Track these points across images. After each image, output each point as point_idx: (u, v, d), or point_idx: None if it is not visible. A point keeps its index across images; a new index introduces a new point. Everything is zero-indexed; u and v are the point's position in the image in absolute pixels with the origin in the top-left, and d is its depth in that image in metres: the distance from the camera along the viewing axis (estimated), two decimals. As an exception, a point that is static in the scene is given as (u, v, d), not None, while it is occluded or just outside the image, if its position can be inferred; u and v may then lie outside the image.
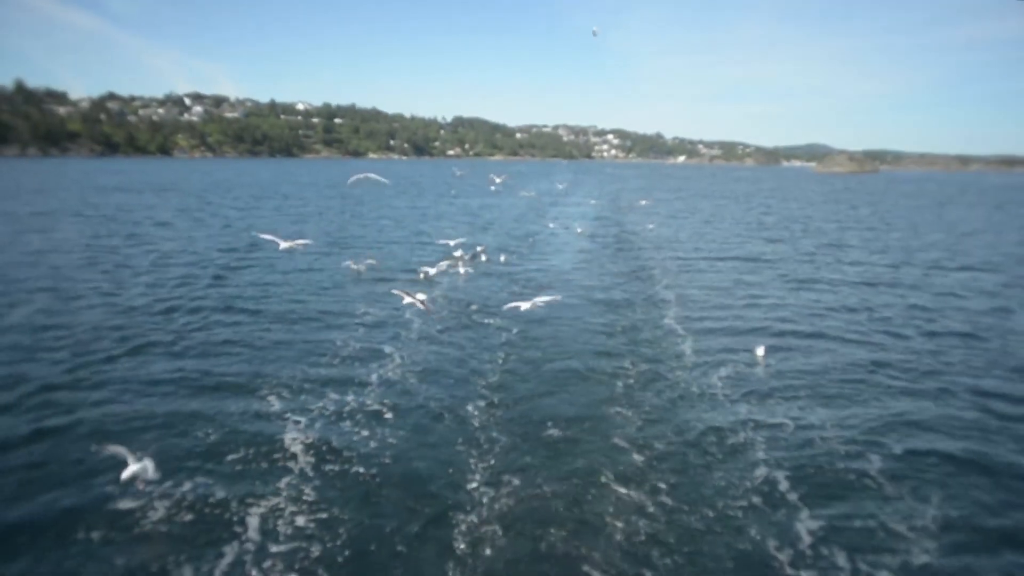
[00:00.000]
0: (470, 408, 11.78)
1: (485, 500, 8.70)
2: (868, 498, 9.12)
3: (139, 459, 8.33)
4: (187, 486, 8.81)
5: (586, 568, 7.36)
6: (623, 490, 9.10)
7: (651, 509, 8.63)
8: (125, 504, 8.32)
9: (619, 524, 8.28)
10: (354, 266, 22.50)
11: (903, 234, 42.27)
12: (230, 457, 9.71)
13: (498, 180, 54.64)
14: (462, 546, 7.65)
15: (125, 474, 8.12)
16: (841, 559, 7.73)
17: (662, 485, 9.20)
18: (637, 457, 10.11)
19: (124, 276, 22.76)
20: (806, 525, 8.38)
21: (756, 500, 8.91)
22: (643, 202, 52.62)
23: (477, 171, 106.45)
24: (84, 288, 20.57)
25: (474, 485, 9.08)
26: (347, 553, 7.48)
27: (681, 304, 20.45)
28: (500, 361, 14.42)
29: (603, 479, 9.37)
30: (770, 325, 18.23)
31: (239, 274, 23.42)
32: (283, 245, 15.74)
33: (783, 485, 9.32)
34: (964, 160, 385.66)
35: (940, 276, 26.69)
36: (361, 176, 24.89)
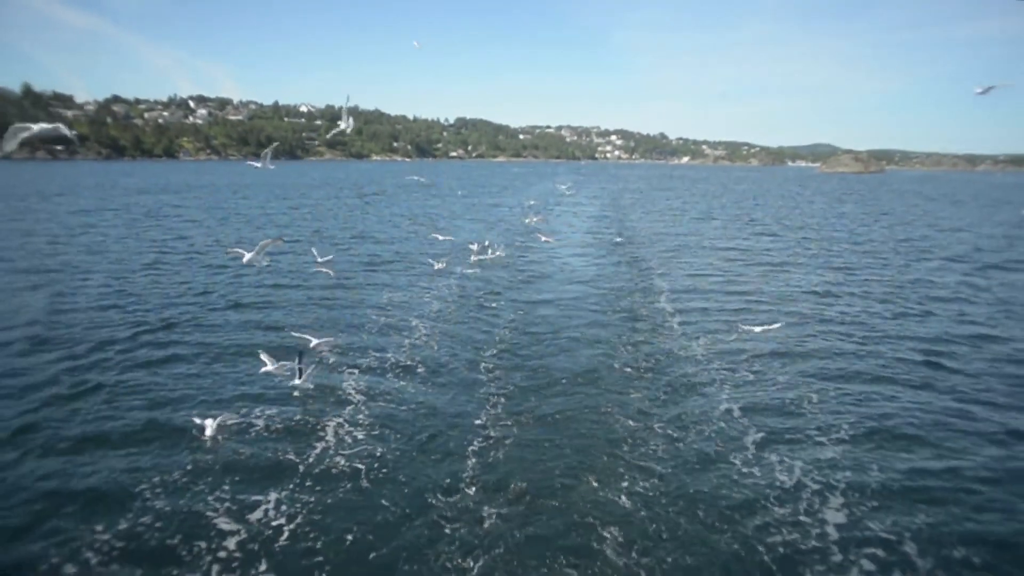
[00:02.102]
0: (480, 375, 13.65)
1: (491, 452, 10.32)
2: (810, 428, 11.28)
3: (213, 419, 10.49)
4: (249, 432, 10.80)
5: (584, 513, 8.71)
6: (617, 435, 10.94)
7: (640, 449, 10.48)
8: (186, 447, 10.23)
9: (612, 463, 9.97)
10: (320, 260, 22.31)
11: (884, 229, 44.34)
12: (283, 402, 11.86)
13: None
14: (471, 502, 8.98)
15: (208, 431, 10.31)
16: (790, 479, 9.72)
17: (654, 429, 11.14)
18: (629, 404, 12.17)
19: (171, 262, 26.01)
20: (755, 440, 10.56)
21: (720, 430, 11.13)
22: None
23: (475, 174, 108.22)
24: (139, 270, 24.10)
25: (481, 442, 10.61)
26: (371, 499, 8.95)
27: (672, 288, 22.48)
28: (508, 334, 16.53)
29: (599, 429, 11.21)
30: (749, 304, 20.48)
31: (274, 259, 25.67)
32: (246, 257, 15.98)
33: (738, 414, 11.69)
34: (972, 159, 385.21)
35: (909, 264, 28.98)
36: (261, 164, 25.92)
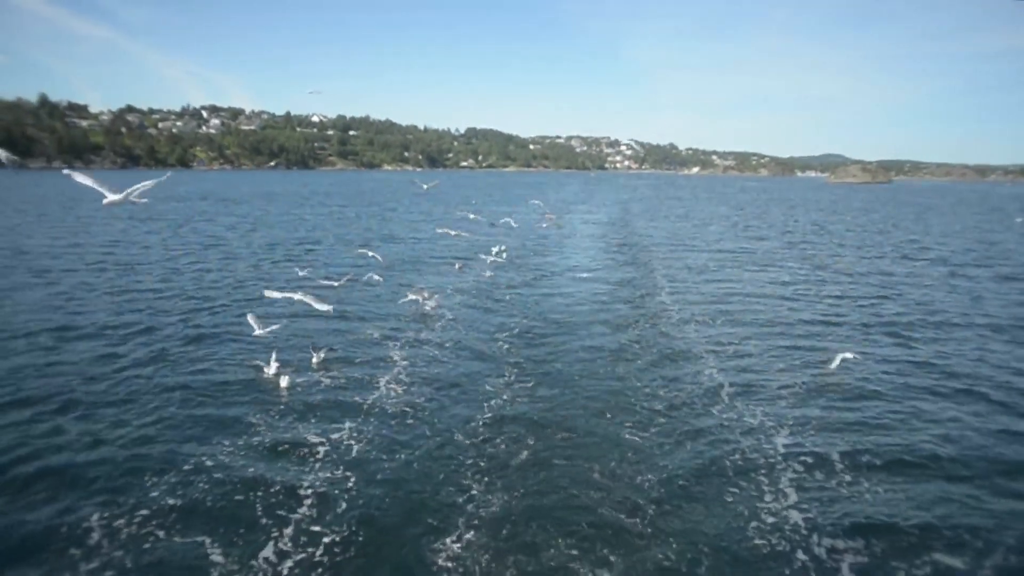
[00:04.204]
0: (498, 348, 15.81)
1: (505, 406, 12.12)
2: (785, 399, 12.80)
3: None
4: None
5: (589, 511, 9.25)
6: (621, 421, 12.11)
7: (637, 415, 11.94)
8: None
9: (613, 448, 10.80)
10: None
11: (868, 234, 46.31)
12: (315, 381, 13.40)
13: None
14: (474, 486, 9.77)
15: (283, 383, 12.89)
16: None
17: (651, 413, 12.23)
18: (627, 374, 14.00)
19: (218, 257, 29.35)
20: (733, 397, 12.21)
21: (706, 393, 12.93)
22: None
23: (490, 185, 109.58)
24: (193, 264, 27.26)
25: (496, 398, 12.45)
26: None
27: (672, 283, 24.61)
28: (522, 320, 18.54)
29: (600, 391, 12.90)
30: (737, 296, 22.51)
31: (312, 256, 29.48)
32: (296, 297, 16.76)
33: (720, 380, 13.52)
34: (982, 170, 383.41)
35: (882, 264, 31.47)
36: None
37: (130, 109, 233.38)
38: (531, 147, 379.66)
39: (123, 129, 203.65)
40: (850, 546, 7.91)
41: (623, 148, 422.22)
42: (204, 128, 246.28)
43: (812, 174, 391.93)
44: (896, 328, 18.25)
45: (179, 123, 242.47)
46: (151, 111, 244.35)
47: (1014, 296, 23.39)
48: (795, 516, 8.48)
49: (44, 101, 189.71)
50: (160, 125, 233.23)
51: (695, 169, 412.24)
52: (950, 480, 9.57)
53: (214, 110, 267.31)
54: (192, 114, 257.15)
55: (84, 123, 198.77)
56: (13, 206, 53.82)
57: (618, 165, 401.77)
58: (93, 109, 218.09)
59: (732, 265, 29.79)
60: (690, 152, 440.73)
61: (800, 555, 7.67)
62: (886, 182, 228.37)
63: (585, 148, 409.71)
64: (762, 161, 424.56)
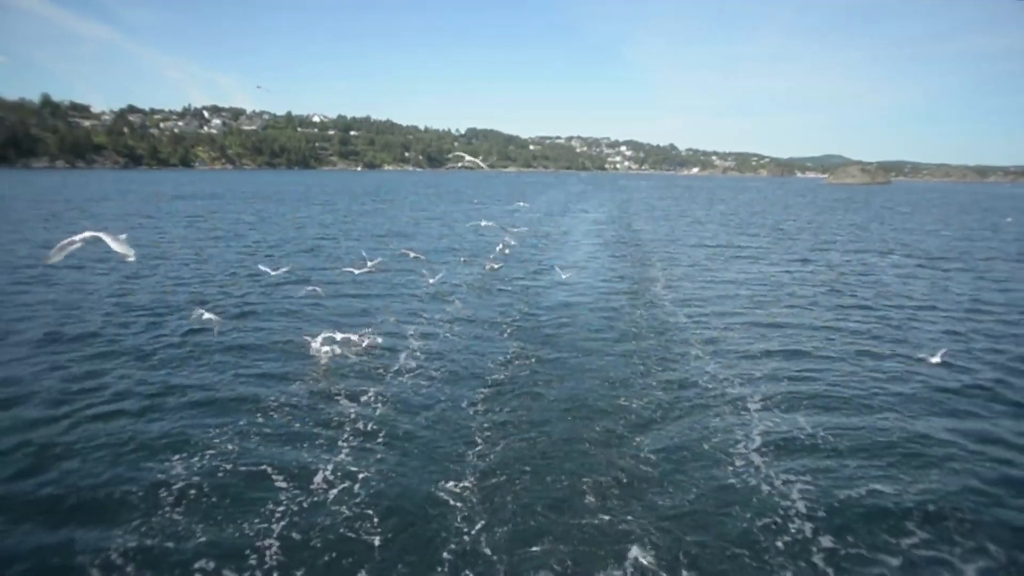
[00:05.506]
0: (503, 332, 17.12)
1: (506, 383, 13.27)
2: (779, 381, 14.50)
3: None
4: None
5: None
6: (618, 415, 13.05)
7: (631, 399, 12.76)
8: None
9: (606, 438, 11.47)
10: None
11: (856, 231, 48.29)
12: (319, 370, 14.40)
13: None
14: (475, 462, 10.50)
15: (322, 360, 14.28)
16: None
17: (641, 380, 13.63)
18: (621, 363, 14.85)
19: (235, 250, 30.93)
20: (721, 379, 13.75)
21: (694, 372, 14.41)
22: None
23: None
24: (214, 255, 29.48)
25: (498, 376, 13.62)
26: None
27: (666, 273, 26.56)
28: (525, 309, 19.77)
29: (597, 382, 13.59)
30: (726, 285, 24.17)
31: (323, 248, 31.54)
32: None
33: (707, 359, 15.02)
34: (982, 171, 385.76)
35: (864, 257, 33.38)
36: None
37: (132, 109, 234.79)
38: (531, 148, 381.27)
39: (125, 129, 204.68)
40: (800, 478, 9.44)
41: (623, 148, 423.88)
42: (206, 128, 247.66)
43: (811, 175, 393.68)
44: (864, 309, 20.35)
45: (181, 123, 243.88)
46: (153, 111, 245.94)
47: (982, 284, 25.45)
48: (757, 459, 9.97)
49: (47, 101, 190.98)
50: (162, 125, 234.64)
51: (695, 170, 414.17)
52: (893, 429, 11.16)
53: (215, 110, 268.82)
54: (194, 114, 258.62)
55: (87, 123, 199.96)
56: (33, 204, 55.07)
57: (618, 166, 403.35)
58: (95, 109, 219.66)
59: (725, 258, 31.52)
60: (690, 153, 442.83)
61: (764, 488, 9.08)
62: (885, 183, 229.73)
63: (585, 149, 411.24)
64: (762, 162, 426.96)
